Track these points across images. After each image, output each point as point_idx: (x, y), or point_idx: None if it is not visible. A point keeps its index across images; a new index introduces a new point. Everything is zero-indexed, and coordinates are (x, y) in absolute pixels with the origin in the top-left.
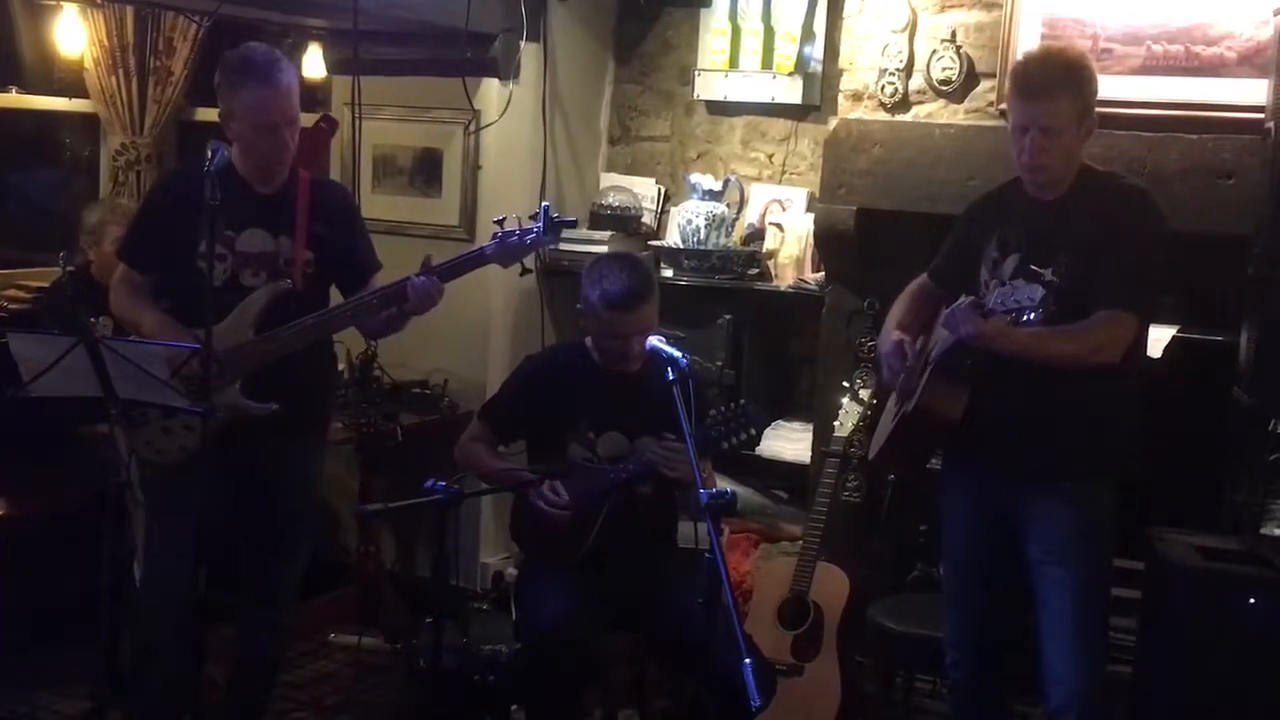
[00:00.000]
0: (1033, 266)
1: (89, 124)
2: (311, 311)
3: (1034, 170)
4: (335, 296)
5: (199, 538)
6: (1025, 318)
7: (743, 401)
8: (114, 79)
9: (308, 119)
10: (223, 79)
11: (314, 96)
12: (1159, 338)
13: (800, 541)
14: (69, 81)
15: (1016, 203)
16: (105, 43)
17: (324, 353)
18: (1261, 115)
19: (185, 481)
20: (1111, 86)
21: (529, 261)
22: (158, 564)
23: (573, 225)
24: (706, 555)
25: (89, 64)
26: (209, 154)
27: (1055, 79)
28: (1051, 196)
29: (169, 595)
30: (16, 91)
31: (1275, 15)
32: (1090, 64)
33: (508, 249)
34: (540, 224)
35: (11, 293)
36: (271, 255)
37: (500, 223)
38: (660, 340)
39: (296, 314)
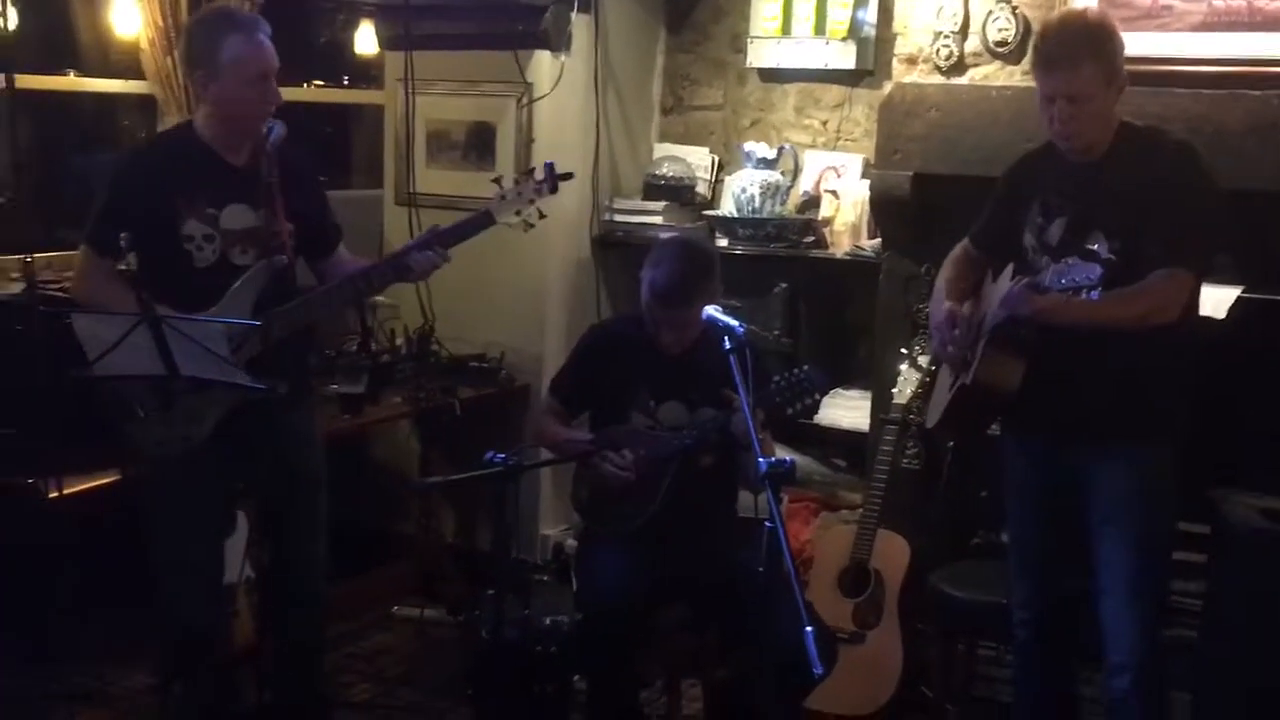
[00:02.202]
0: (1088, 246)
1: (146, 105)
2: (291, 286)
3: (1066, 138)
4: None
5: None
6: (1084, 296)
7: (805, 366)
8: (169, 59)
9: None
10: (201, 37)
11: (368, 73)
12: (1223, 298)
13: (860, 509)
14: (125, 64)
15: (1056, 165)
16: (160, 23)
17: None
18: None
19: (196, 470)
20: (1172, 44)
21: (532, 218)
22: (181, 553)
23: (569, 178)
24: (767, 524)
25: (144, 45)
26: (265, 130)
27: (1076, 46)
28: (1091, 158)
29: (197, 582)
30: (74, 75)
31: None
32: (1111, 24)
33: (508, 204)
34: (544, 177)
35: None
36: (257, 230)
37: (497, 181)
38: (717, 309)
39: (280, 290)
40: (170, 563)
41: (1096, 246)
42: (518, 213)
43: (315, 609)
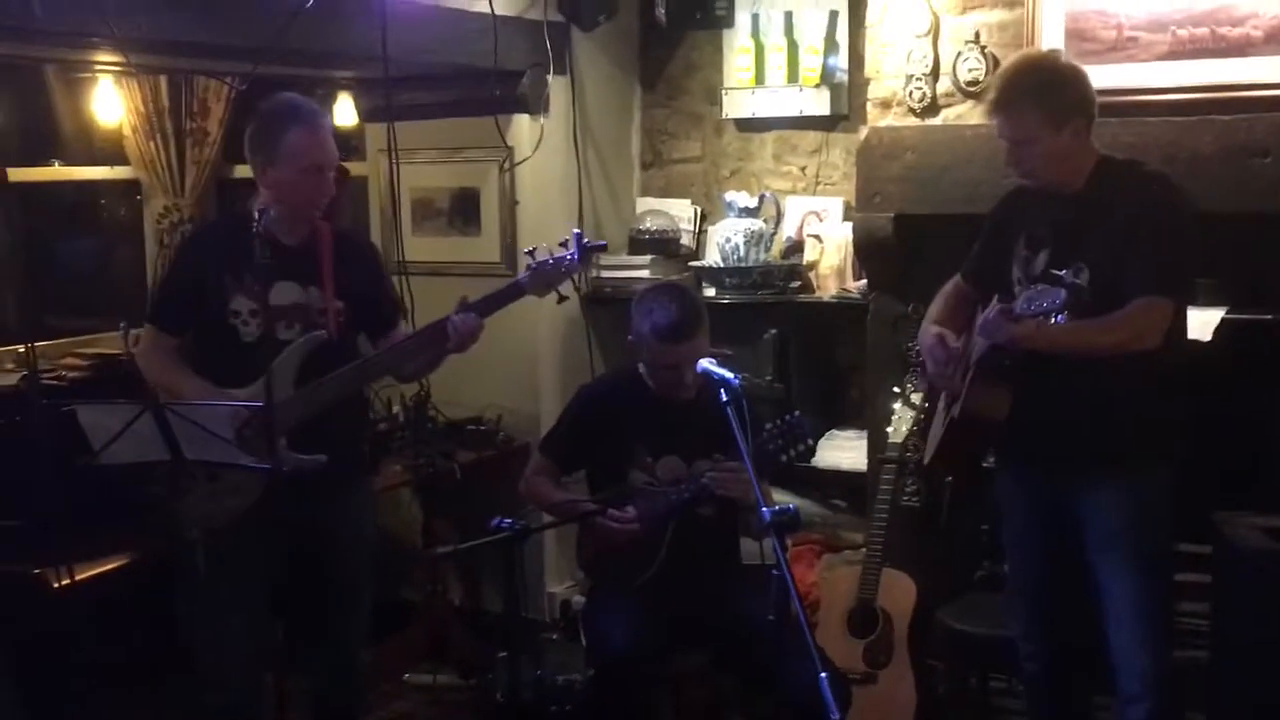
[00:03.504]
0: (1052, 270)
1: (129, 190)
2: (345, 361)
3: (1021, 176)
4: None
5: (269, 594)
6: (1052, 320)
7: (796, 413)
8: (152, 144)
9: None
10: (262, 127)
11: (348, 144)
12: (1208, 320)
13: (863, 549)
14: (109, 151)
15: (1040, 199)
16: (142, 109)
17: (355, 397)
18: None
19: (239, 543)
20: (1139, 74)
21: (565, 288)
22: (222, 626)
23: (603, 249)
24: (774, 571)
25: (127, 131)
26: (255, 214)
27: (1015, 91)
28: (1071, 191)
29: (236, 656)
30: (58, 164)
31: None
32: (1062, 67)
33: (541, 277)
34: (574, 250)
35: (69, 361)
36: (304, 307)
37: (531, 253)
38: (711, 362)
39: (332, 365)
40: (208, 641)
41: (1064, 272)
42: (548, 284)
43: (357, 684)
